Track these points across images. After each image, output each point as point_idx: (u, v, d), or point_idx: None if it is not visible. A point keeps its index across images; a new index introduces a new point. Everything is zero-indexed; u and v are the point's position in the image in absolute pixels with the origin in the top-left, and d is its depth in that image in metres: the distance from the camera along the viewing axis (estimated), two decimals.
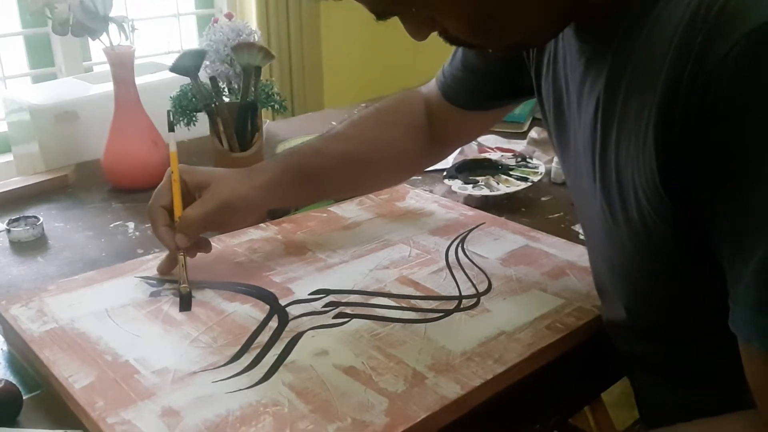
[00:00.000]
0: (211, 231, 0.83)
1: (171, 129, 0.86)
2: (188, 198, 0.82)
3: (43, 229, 1.02)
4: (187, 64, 1.02)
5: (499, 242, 0.92)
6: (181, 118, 1.17)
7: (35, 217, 1.02)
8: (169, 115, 0.87)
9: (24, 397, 0.64)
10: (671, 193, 0.51)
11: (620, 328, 0.70)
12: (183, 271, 0.78)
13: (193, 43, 2.56)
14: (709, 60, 0.45)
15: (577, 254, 0.88)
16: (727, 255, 0.49)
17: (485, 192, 1.10)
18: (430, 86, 0.96)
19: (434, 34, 0.59)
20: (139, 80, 1.18)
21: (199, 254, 0.84)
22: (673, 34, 0.48)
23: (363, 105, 1.67)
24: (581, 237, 0.99)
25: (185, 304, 0.76)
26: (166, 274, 0.82)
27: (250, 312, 0.75)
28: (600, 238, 0.65)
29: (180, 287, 0.77)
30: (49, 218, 1.07)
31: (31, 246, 0.98)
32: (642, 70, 0.52)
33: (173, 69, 1.02)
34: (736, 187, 0.46)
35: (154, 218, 0.80)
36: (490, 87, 0.88)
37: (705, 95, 0.46)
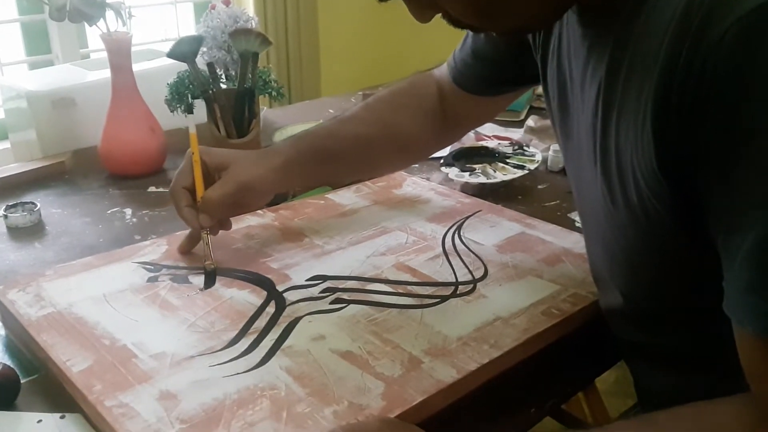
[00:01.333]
0: (231, 210, 0.85)
1: (190, 111, 0.89)
2: (208, 178, 0.83)
3: (40, 215, 1.02)
4: (185, 50, 1.02)
5: (495, 229, 0.92)
6: (178, 105, 1.17)
7: (32, 203, 1.02)
8: (187, 97, 0.88)
9: (22, 381, 0.65)
10: (668, 176, 0.52)
11: (618, 316, 0.71)
12: (208, 248, 0.80)
13: (190, 30, 2.55)
14: (704, 45, 0.46)
15: (573, 241, 0.88)
16: (721, 238, 0.49)
17: (482, 180, 1.10)
18: (442, 70, 0.97)
19: (435, 21, 0.60)
20: (136, 67, 1.18)
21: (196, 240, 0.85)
22: (670, 18, 0.49)
23: (360, 93, 1.67)
24: (577, 224, 1.00)
25: (210, 280, 0.78)
26: (187, 253, 0.84)
27: (248, 297, 0.75)
28: (600, 224, 0.65)
29: (205, 264, 0.79)
30: (47, 204, 1.07)
31: (28, 232, 0.99)
32: (641, 55, 0.53)
33: (170, 55, 1.02)
34: (729, 169, 0.47)
35: (177, 199, 0.82)
36: (499, 74, 0.89)
37: (700, 80, 0.46)
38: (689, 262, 0.58)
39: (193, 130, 0.84)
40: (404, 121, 0.95)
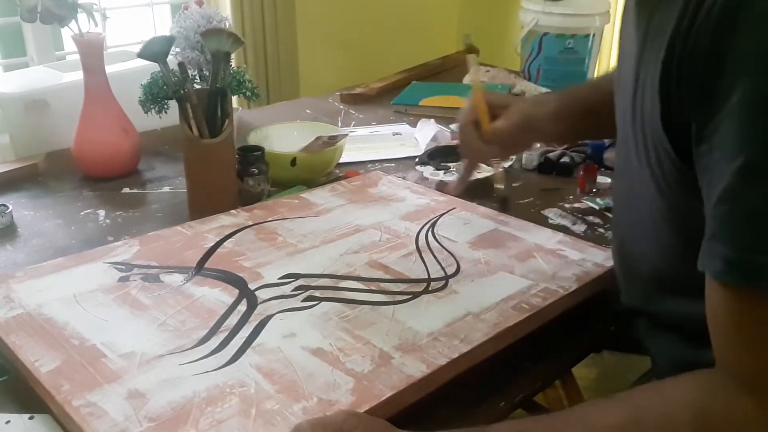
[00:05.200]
0: (509, 148, 0.98)
1: (470, 51, 1.03)
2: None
3: (12, 217, 1.01)
4: (155, 50, 1.01)
5: (468, 226, 0.93)
6: (152, 106, 1.17)
7: (4, 205, 1.01)
8: (468, 38, 1.02)
9: None
10: (672, 139, 0.55)
11: (643, 284, 0.71)
12: (499, 175, 1.00)
13: (167, 31, 2.53)
14: (701, 12, 0.49)
15: (545, 237, 0.89)
16: (705, 194, 0.52)
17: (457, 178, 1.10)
18: None
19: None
20: (110, 68, 1.17)
21: (169, 240, 0.86)
22: None
23: (338, 93, 1.67)
24: (550, 221, 1.01)
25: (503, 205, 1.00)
26: (457, 195, 0.96)
27: (219, 296, 0.75)
28: (633, 188, 0.67)
29: (496, 188, 1.03)
30: (19, 206, 1.06)
31: None
32: (661, 23, 0.56)
33: (141, 55, 1.02)
34: (711, 126, 0.50)
35: (466, 132, 0.93)
36: None
37: (694, 46, 0.50)
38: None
39: (474, 74, 1.02)
40: None
